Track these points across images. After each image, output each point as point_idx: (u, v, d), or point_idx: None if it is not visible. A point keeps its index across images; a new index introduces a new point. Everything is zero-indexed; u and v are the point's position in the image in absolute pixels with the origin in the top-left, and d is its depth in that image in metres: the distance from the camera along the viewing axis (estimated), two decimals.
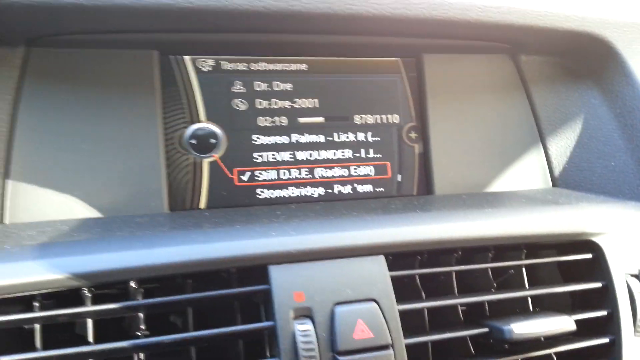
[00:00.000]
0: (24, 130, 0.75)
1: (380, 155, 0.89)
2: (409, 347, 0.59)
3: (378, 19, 0.76)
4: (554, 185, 0.94)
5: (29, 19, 0.70)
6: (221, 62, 0.84)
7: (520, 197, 0.83)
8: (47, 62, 0.77)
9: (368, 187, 0.88)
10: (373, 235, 0.63)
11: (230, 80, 0.84)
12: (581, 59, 0.95)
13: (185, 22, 0.74)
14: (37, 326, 0.59)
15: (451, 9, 0.78)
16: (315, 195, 0.85)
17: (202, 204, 0.81)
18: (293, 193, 0.85)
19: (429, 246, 0.64)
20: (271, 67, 0.86)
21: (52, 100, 0.77)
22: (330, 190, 0.86)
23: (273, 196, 0.84)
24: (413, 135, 0.90)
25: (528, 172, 0.93)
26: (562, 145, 0.94)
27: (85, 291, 0.60)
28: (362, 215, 0.68)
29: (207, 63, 0.83)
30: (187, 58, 0.82)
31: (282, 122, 0.85)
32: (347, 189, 0.87)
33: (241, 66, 0.84)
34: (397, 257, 0.64)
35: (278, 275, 0.59)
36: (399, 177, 0.89)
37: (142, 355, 0.61)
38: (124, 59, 0.79)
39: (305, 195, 0.85)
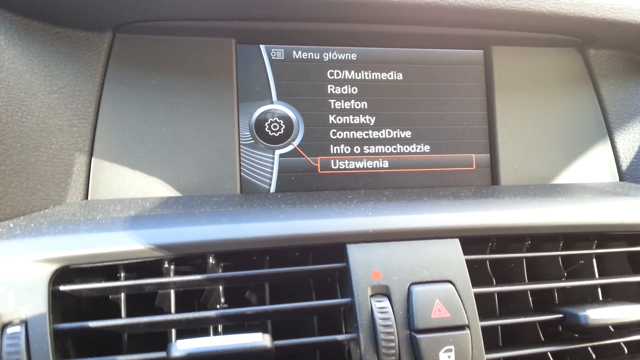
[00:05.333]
0: (107, 111, 0.78)
1: None
2: (481, 330, 0.59)
3: (454, 9, 0.77)
4: (621, 179, 0.93)
5: (119, 6, 0.73)
6: (293, 50, 0.86)
7: (589, 188, 0.82)
8: (131, 47, 0.80)
9: None
10: (448, 218, 0.64)
11: (302, 67, 0.86)
12: None
13: (265, 8, 0.76)
14: (122, 295, 0.62)
15: (527, 0, 0.78)
16: (382, 170, 0.87)
17: (273, 187, 0.83)
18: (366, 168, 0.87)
19: (503, 231, 0.65)
20: (342, 56, 0.87)
21: (135, 84, 0.80)
22: (393, 169, 0.88)
23: (348, 169, 0.86)
24: (481, 125, 0.91)
25: (595, 166, 0.93)
26: (630, 139, 0.93)
27: (166, 264, 0.63)
28: (435, 200, 0.69)
29: (280, 51, 0.85)
30: (262, 46, 0.85)
31: (352, 109, 0.87)
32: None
33: (312, 54, 0.86)
34: (467, 244, 0.64)
35: (356, 253, 0.60)
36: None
37: (220, 327, 0.64)
38: (203, 47, 0.82)
39: (375, 166, 0.87)
